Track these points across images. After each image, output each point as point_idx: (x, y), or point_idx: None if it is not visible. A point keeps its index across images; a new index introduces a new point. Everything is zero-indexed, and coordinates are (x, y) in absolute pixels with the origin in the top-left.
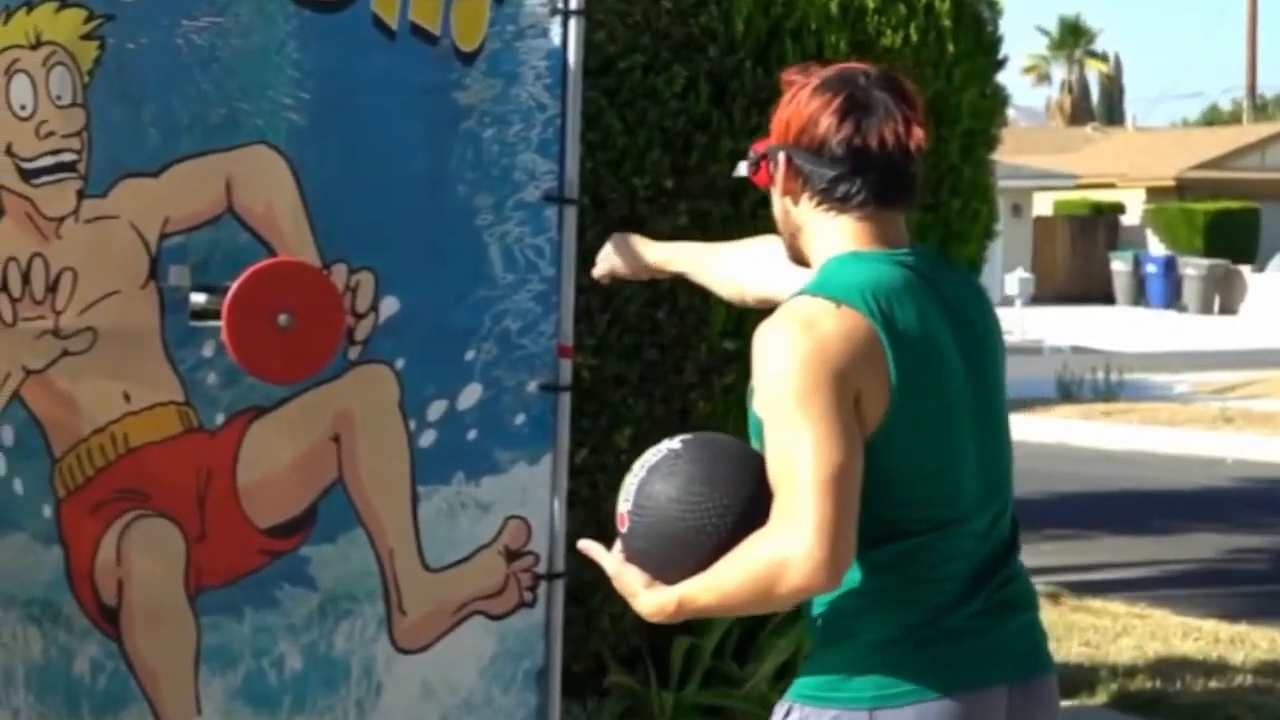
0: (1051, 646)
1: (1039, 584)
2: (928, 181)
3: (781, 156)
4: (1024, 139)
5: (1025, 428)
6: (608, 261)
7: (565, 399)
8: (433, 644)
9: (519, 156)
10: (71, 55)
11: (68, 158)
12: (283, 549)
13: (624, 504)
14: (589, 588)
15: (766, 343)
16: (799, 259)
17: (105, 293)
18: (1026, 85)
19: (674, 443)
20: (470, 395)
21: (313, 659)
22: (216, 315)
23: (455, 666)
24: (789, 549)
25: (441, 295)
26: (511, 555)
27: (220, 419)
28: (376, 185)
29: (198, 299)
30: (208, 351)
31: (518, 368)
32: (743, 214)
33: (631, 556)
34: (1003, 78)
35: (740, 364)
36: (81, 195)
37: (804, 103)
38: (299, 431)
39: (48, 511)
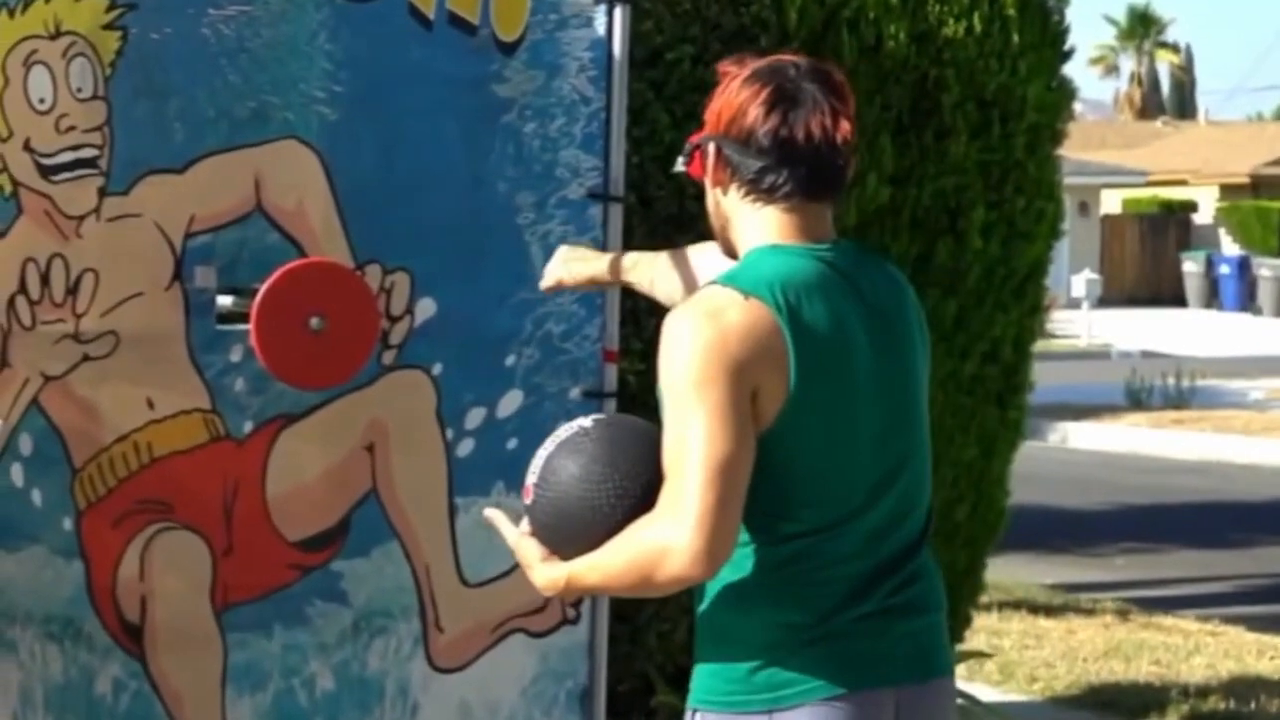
0: (1120, 665)
1: (1108, 599)
2: (993, 179)
3: (712, 147)
4: (1091, 134)
5: (1092, 436)
6: (554, 274)
7: (610, 407)
8: (471, 663)
9: (562, 152)
10: (92, 46)
11: (88, 153)
12: (314, 563)
13: (531, 476)
14: (635, 603)
15: (672, 330)
16: (730, 250)
17: (128, 295)
18: (1094, 77)
19: (586, 421)
20: (510, 402)
21: (345, 679)
22: (244, 318)
23: (495, 686)
24: (668, 536)
25: (481, 297)
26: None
27: (248, 427)
28: (412, 182)
29: (224, 301)
30: (235, 356)
31: (560, 373)
32: None
33: (534, 529)
34: (1069, 69)
35: None
36: (103, 193)
37: (734, 93)
38: (331, 440)
39: (67, 524)
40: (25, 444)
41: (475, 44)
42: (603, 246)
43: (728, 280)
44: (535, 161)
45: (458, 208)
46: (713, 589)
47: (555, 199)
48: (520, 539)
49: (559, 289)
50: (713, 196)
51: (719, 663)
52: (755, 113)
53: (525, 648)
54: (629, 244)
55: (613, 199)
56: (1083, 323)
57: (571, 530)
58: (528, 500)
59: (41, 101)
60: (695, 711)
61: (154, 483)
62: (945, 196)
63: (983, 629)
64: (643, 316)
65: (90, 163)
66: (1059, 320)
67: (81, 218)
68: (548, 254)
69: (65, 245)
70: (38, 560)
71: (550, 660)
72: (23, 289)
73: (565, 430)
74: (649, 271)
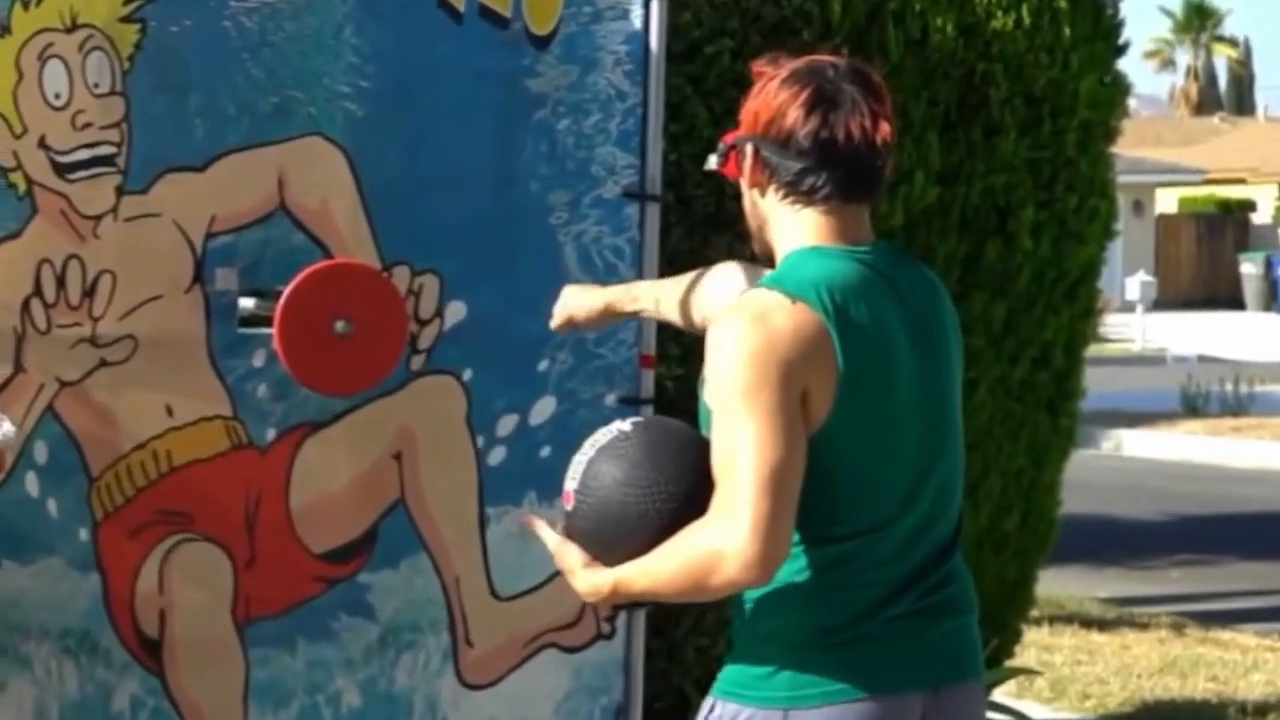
0: (1176, 682)
1: (1163, 613)
2: (1044, 177)
3: (749, 148)
4: (1146, 130)
5: (1147, 444)
6: (564, 311)
7: (647, 413)
8: (502, 679)
9: (597, 149)
10: (110, 39)
11: (106, 151)
12: (339, 576)
13: (570, 482)
14: (672, 617)
15: (720, 334)
16: (766, 251)
17: (146, 297)
18: (1149, 72)
19: (625, 424)
20: (543, 409)
21: (372, 695)
22: (268, 322)
23: (527, 703)
24: (725, 542)
25: (512, 300)
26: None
27: (271, 435)
28: (442, 181)
29: (247, 304)
30: (258, 361)
31: (595, 379)
32: None
33: (573, 535)
34: (1123, 64)
35: None
36: (120, 191)
37: (772, 94)
38: (357, 448)
39: (84, 535)
40: (40, 452)
41: (507, 37)
42: (639, 247)
43: (773, 283)
44: (569, 159)
45: (489, 207)
46: (753, 592)
47: (590, 198)
48: (562, 544)
49: (570, 327)
50: (750, 197)
51: (750, 659)
52: (795, 114)
53: (558, 663)
54: (666, 244)
55: (649, 198)
56: (1137, 326)
57: (615, 536)
58: (568, 506)
59: (57, 97)
60: (714, 702)
61: (173, 492)
62: (994, 195)
63: (1033, 644)
64: None
65: (107, 160)
66: (1112, 324)
67: (98, 217)
68: (582, 255)
69: (82, 246)
70: (53, 573)
71: (584, 676)
72: (38, 291)
73: (604, 434)
74: (653, 296)
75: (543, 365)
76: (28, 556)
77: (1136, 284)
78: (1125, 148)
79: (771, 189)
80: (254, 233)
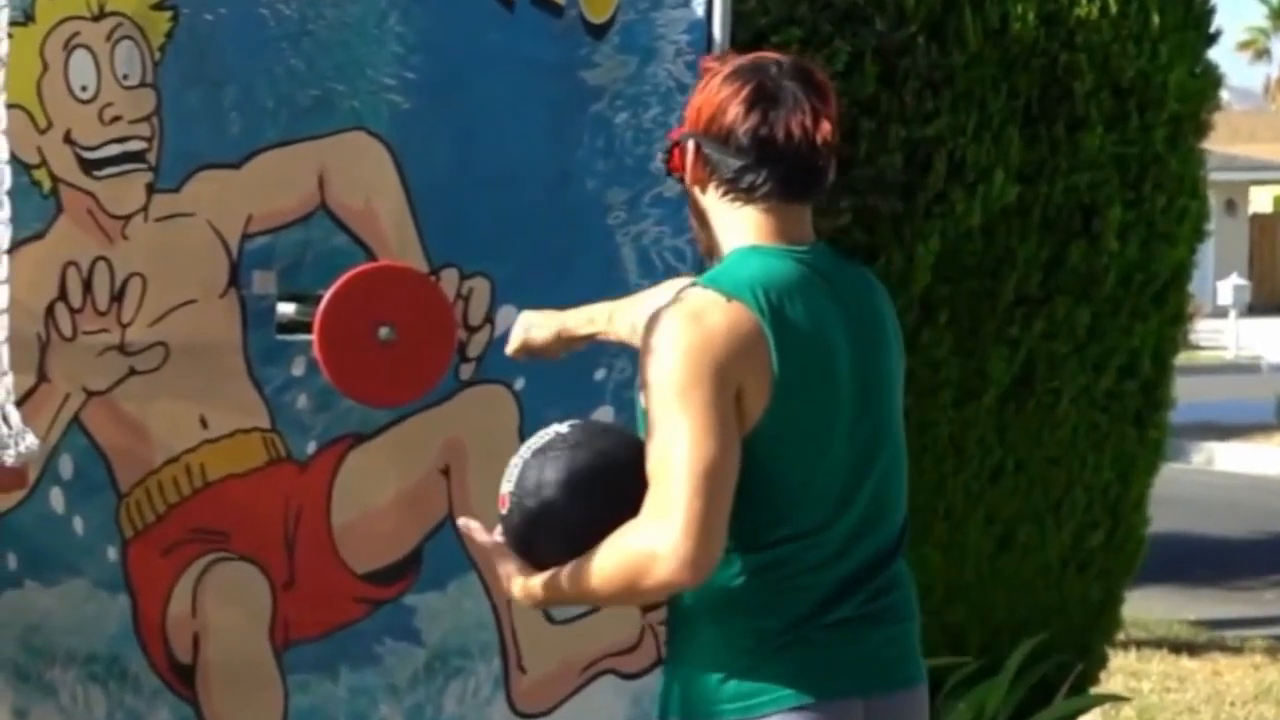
0: (1271, 710)
1: (1257, 636)
2: (1131, 174)
3: (691, 144)
4: (1239, 125)
5: (1240, 457)
6: (520, 338)
7: None
8: (557, 707)
9: (657, 145)
10: (140, 28)
11: (135, 146)
12: (384, 598)
13: (505, 485)
14: None
15: (654, 333)
16: (709, 249)
17: (178, 302)
18: (1242, 63)
19: (562, 426)
20: (601, 420)
21: None
22: (307, 328)
23: None
24: (657, 543)
25: (567, 304)
26: (647, 605)
27: (311, 448)
28: (492, 178)
29: (285, 309)
30: (297, 370)
31: None
32: (916, 211)
33: (508, 539)
34: (1215, 54)
35: (914, 384)
36: (151, 190)
37: (714, 91)
38: (403, 462)
39: (112, 554)
40: (65, 466)
41: (561, 26)
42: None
43: (709, 282)
44: (627, 155)
45: (542, 206)
46: (687, 596)
47: (649, 196)
48: (496, 548)
49: (526, 354)
50: (692, 194)
51: (690, 670)
52: (735, 111)
53: (616, 690)
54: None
55: None
56: (1230, 332)
57: (548, 540)
58: (503, 509)
59: (84, 89)
60: None
61: (208, 509)
62: (1078, 194)
63: (1120, 670)
64: None
65: (137, 156)
66: (1203, 330)
67: (128, 217)
68: (641, 256)
69: (110, 247)
70: (79, 594)
71: (643, 704)
72: (63, 296)
73: (540, 438)
74: (606, 315)
75: (599, 374)
76: (52, 577)
77: (1229, 288)
78: (1217, 143)
79: (712, 186)
80: (293, 233)
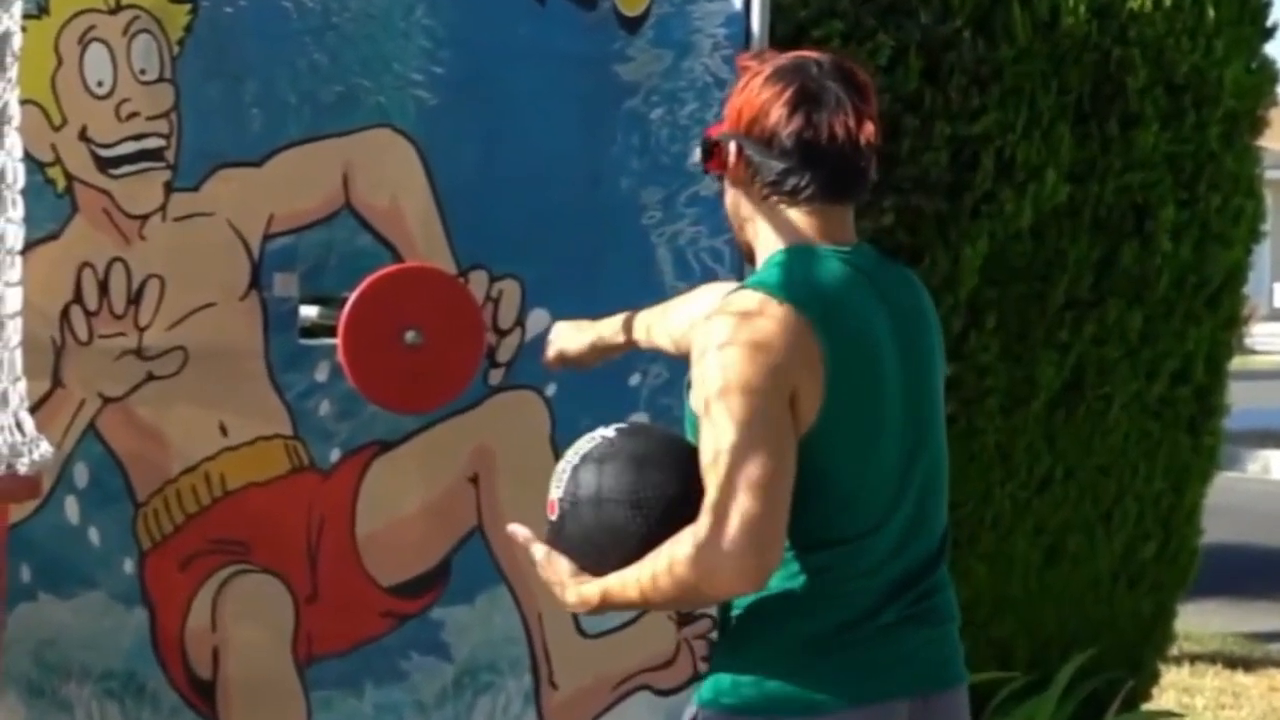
0: None
1: None
2: (1184, 173)
3: (732, 146)
4: None
5: None
6: (555, 348)
7: None
8: None
9: (693, 142)
10: (158, 21)
11: (153, 144)
12: (410, 611)
13: (555, 490)
14: None
15: (706, 336)
16: (747, 249)
17: (198, 305)
18: None
19: (609, 431)
20: (645, 423)
21: None
22: (331, 332)
23: None
24: (717, 549)
25: (601, 308)
26: (683, 619)
27: (335, 456)
28: (523, 177)
29: (308, 312)
30: (320, 375)
31: None
32: (962, 211)
33: (559, 545)
34: (1272, 49)
35: (960, 391)
36: (169, 188)
37: (756, 92)
38: (430, 471)
39: (129, 566)
40: (80, 475)
41: (594, 19)
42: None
43: (758, 284)
44: (663, 153)
45: (574, 205)
46: (741, 599)
47: (685, 196)
48: (549, 555)
49: (562, 365)
50: (732, 195)
51: (736, 667)
52: (778, 113)
53: (651, 707)
54: None
55: None
56: None
57: (601, 544)
58: (553, 515)
59: (100, 84)
60: (698, 710)
61: (228, 519)
62: (1131, 194)
63: (1172, 685)
64: None
65: (155, 154)
66: (1259, 334)
67: (145, 217)
68: (677, 258)
69: (126, 248)
70: (95, 608)
71: None
72: (78, 298)
73: (588, 441)
74: (643, 324)
75: (634, 379)
76: (67, 590)
77: None
78: (1274, 141)
79: (755, 187)
80: (316, 234)
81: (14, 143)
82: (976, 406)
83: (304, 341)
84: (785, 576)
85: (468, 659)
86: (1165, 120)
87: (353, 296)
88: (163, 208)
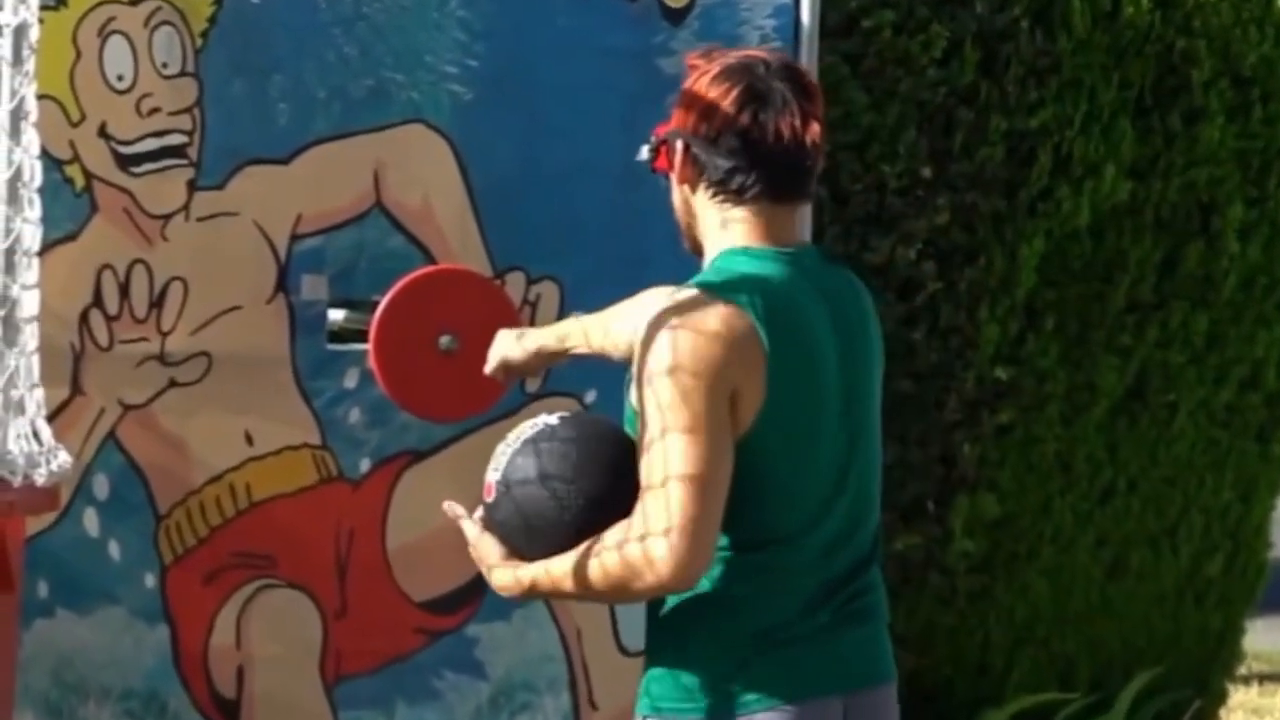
0: None
1: None
2: (1252, 169)
3: (679, 144)
4: None
5: None
6: (498, 357)
7: None
8: None
9: None
10: (180, 13)
11: (175, 140)
12: (444, 627)
13: (492, 473)
14: None
15: (648, 335)
16: (696, 248)
17: (222, 309)
18: None
19: (552, 418)
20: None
21: None
22: (362, 337)
23: None
24: (651, 546)
25: None
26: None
27: (365, 466)
28: (561, 175)
29: (337, 316)
30: (350, 382)
31: None
32: (1019, 209)
33: (492, 528)
34: None
35: (1018, 398)
36: (193, 187)
37: (703, 91)
38: (464, 482)
39: (150, 581)
40: (100, 486)
41: (636, 11)
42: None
43: (702, 284)
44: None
45: (615, 205)
46: (674, 601)
47: None
48: (480, 536)
49: (506, 374)
50: (680, 193)
51: (673, 669)
52: (725, 112)
53: None
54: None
55: None
56: None
57: (532, 530)
58: (488, 498)
59: (120, 79)
60: (644, 719)
61: (253, 531)
62: (1195, 191)
63: (1241, 706)
64: None
65: (178, 151)
66: None
67: (167, 217)
68: None
69: (148, 250)
70: (116, 624)
71: None
72: (98, 302)
73: (530, 427)
74: (582, 331)
75: None
76: (86, 606)
77: None
78: None
79: (701, 186)
80: (346, 235)
81: (31, 139)
82: (1035, 414)
83: (333, 347)
84: (719, 576)
85: (504, 677)
86: (1231, 114)
87: (385, 299)
88: (186, 207)
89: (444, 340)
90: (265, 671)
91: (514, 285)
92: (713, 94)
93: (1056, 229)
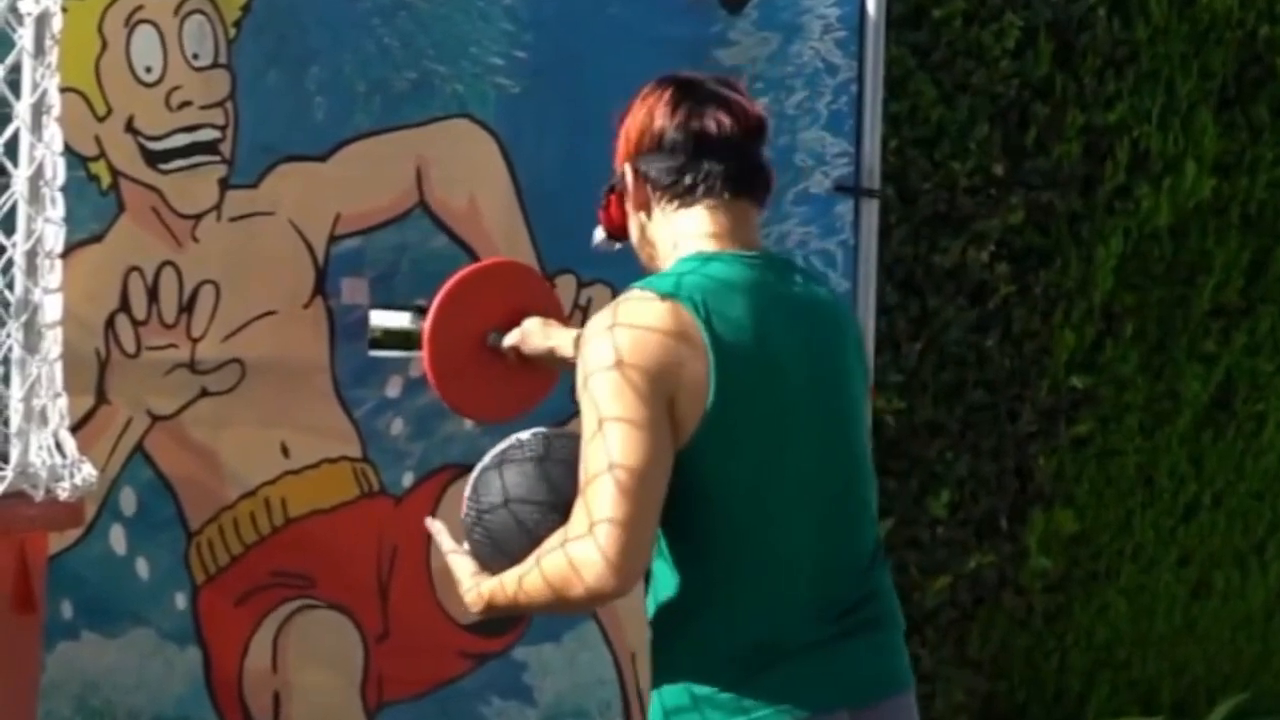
0: None
1: None
2: None
3: (628, 170)
4: None
5: None
6: (520, 335)
7: None
8: None
9: (802, 134)
10: (212, 1)
11: (207, 136)
12: (490, 651)
13: (467, 490)
14: None
15: (587, 333)
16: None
17: (256, 314)
18: None
19: (524, 434)
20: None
21: None
22: (404, 343)
23: None
24: (579, 550)
25: None
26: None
27: (409, 480)
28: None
29: (379, 321)
30: (392, 391)
31: None
32: (1096, 208)
33: (468, 544)
34: None
35: (1096, 408)
36: (225, 185)
37: (638, 109)
38: None
39: (181, 601)
40: (128, 501)
41: None
42: (854, 251)
43: (647, 284)
44: (769, 146)
45: None
46: (666, 616)
47: (794, 193)
48: (453, 553)
49: (519, 356)
50: (636, 224)
51: (677, 690)
52: (662, 113)
53: None
54: (885, 248)
55: (866, 192)
56: None
57: (500, 545)
58: (462, 514)
59: (148, 71)
60: None
61: (290, 549)
62: None
63: None
64: (904, 342)
65: (209, 148)
66: None
67: (198, 217)
68: None
69: (178, 251)
70: (144, 646)
71: None
72: (124, 306)
73: (504, 443)
74: (569, 336)
75: None
76: (113, 627)
77: None
78: None
79: (654, 202)
80: (387, 235)
81: (53, 135)
82: (1114, 424)
83: (374, 354)
84: (711, 593)
85: (553, 703)
86: None
87: (437, 300)
88: (218, 206)
89: (492, 336)
90: (303, 697)
91: (565, 288)
92: (646, 105)
93: (1135, 229)
